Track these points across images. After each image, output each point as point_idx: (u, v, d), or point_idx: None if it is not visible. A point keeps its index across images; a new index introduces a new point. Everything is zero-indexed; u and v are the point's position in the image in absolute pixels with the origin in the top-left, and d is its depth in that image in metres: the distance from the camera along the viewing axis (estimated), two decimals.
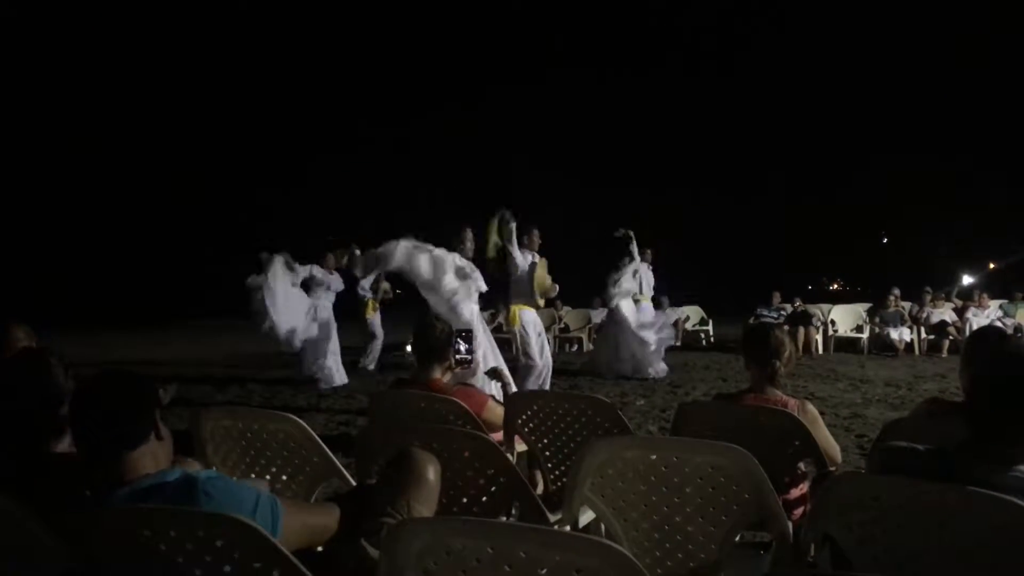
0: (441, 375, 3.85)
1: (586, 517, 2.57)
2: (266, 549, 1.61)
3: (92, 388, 1.86)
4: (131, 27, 39.39)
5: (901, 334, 13.67)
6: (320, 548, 2.06)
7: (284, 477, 2.84)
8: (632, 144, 44.87)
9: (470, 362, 4.33)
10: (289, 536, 1.77)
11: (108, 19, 38.19)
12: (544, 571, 1.43)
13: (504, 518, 2.70)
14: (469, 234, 7.13)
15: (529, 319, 8.07)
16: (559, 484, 3.37)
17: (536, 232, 8.30)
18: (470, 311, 6.66)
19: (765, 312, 14.63)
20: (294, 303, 9.50)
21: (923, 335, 13.91)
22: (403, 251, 6.55)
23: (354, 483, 2.74)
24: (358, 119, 45.22)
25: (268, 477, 2.84)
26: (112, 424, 1.80)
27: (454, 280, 6.62)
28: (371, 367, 11.58)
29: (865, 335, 14.22)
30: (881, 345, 13.90)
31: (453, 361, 3.95)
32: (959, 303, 14.37)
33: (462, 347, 4.19)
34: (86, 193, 37.57)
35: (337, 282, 10.45)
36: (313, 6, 44.35)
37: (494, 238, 7.78)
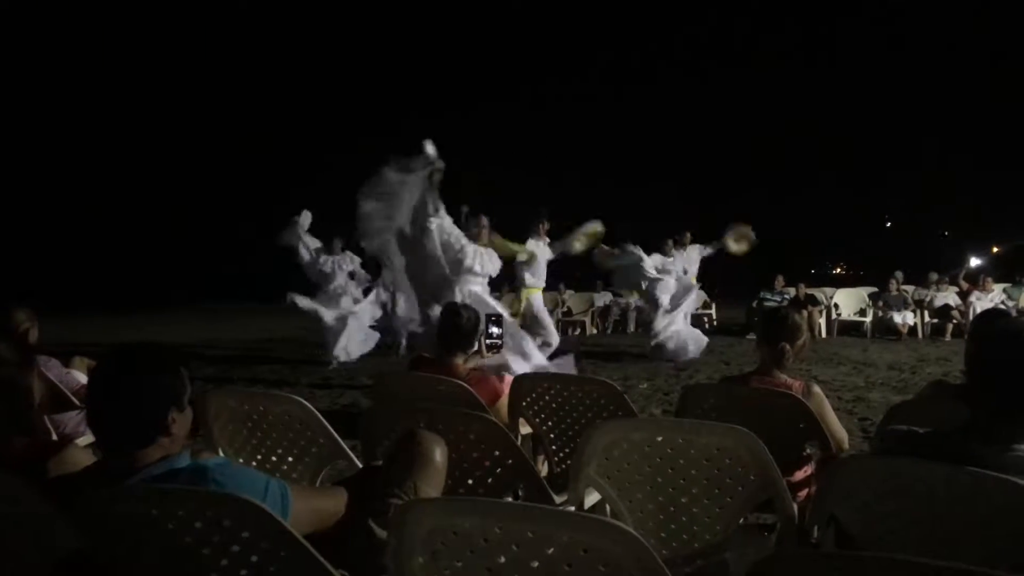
0: (463, 361, 3.81)
1: (591, 499, 2.58)
2: (274, 529, 1.62)
3: (109, 381, 1.82)
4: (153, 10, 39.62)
5: (904, 318, 13.64)
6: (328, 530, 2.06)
7: (290, 459, 2.84)
8: (642, 136, 45.38)
9: (501, 346, 4.30)
10: (298, 521, 1.78)
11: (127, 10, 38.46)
12: (552, 551, 1.43)
13: (509, 499, 2.71)
14: (484, 221, 7.18)
15: (539, 302, 8.93)
16: (563, 467, 3.38)
17: (544, 221, 9.17)
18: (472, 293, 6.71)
19: (768, 296, 14.60)
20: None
21: (927, 319, 13.89)
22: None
23: (360, 464, 2.75)
24: (370, 115, 45.49)
25: (274, 458, 2.85)
26: (128, 424, 1.79)
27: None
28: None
29: (868, 319, 14.21)
30: (884, 329, 13.89)
31: (484, 347, 3.89)
32: (965, 286, 14.33)
33: (494, 331, 4.15)
34: (95, 179, 37.64)
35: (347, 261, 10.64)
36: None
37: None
